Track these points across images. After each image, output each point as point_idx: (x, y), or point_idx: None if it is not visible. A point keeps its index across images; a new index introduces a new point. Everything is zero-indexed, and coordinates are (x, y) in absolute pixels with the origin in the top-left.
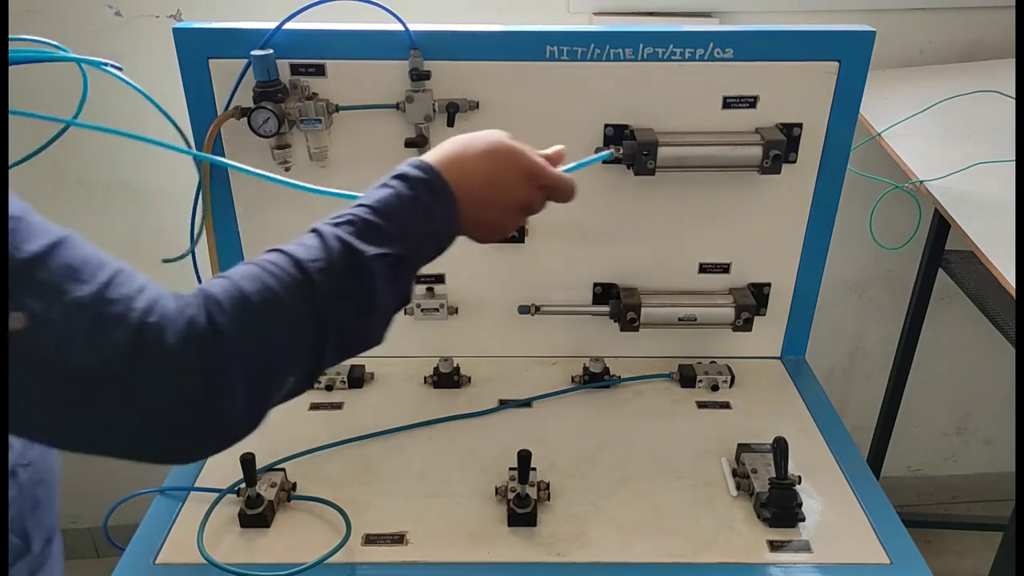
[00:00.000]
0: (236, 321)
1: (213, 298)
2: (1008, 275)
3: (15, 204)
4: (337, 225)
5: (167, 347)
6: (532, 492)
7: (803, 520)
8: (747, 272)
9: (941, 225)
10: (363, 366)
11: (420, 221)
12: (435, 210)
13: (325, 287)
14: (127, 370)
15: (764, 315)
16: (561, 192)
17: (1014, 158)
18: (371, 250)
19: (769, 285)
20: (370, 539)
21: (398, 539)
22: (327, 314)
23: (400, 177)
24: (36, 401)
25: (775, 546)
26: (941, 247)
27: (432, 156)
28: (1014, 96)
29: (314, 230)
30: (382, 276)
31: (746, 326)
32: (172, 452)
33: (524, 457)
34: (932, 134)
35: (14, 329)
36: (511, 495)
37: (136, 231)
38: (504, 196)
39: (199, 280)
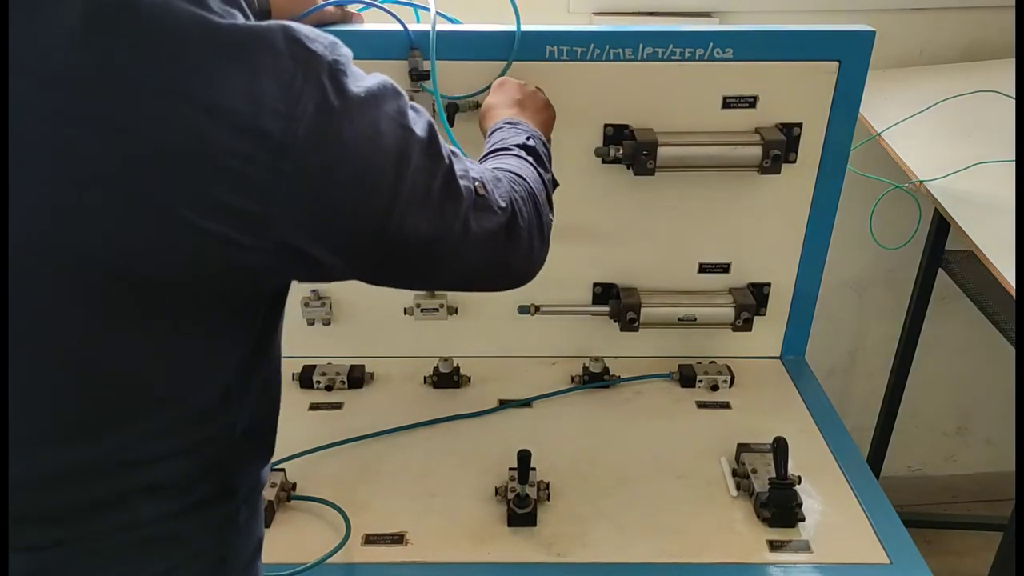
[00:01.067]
0: (536, 189)
1: (519, 175)
2: (1008, 275)
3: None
4: (499, 146)
5: (526, 219)
6: (532, 492)
7: (803, 520)
8: (747, 272)
9: (941, 225)
10: (363, 366)
11: (523, 133)
12: (521, 126)
13: (534, 159)
14: (510, 239)
15: (764, 315)
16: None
17: (1014, 158)
18: (523, 139)
19: (769, 285)
20: (370, 539)
21: (398, 539)
22: (542, 174)
23: (494, 131)
24: (444, 260)
25: (775, 546)
26: (941, 247)
27: (493, 116)
28: (1014, 96)
29: (490, 152)
30: (538, 151)
31: (746, 326)
32: (516, 283)
33: (524, 457)
34: (932, 134)
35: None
36: (511, 495)
37: None
38: (532, 102)
39: None
